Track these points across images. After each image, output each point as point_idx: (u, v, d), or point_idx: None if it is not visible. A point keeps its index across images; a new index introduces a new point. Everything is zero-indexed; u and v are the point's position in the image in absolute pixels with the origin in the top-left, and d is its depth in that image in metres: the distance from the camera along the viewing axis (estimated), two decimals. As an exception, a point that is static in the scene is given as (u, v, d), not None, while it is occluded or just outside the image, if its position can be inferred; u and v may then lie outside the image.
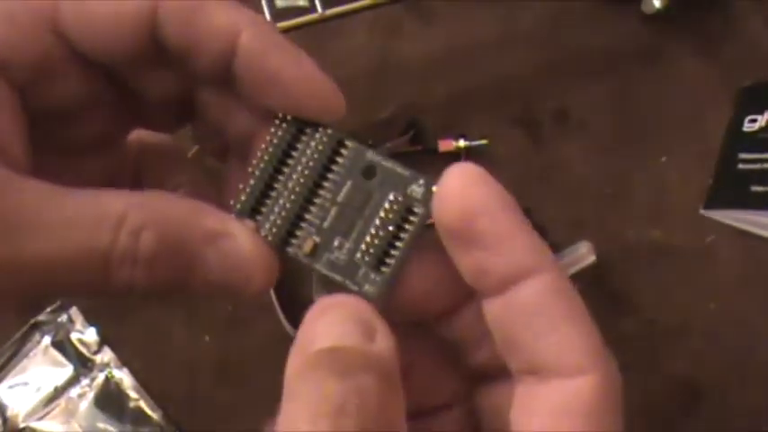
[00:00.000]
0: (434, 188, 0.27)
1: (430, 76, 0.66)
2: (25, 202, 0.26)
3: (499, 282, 0.26)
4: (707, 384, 0.59)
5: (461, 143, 0.62)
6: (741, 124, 0.64)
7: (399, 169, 0.29)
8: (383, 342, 0.26)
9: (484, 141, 0.63)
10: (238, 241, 0.28)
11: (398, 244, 0.28)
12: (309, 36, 0.60)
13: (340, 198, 0.29)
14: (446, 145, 0.62)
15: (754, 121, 0.63)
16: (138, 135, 0.35)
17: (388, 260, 0.28)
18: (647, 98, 0.66)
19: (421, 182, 0.28)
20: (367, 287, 0.28)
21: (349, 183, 0.29)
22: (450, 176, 0.26)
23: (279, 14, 0.56)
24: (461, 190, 0.26)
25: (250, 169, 0.30)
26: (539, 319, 0.25)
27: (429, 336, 0.30)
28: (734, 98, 0.66)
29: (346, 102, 0.29)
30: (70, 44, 0.29)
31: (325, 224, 0.29)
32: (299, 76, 0.29)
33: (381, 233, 0.28)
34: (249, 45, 0.28)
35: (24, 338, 0.60)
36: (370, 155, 0.29)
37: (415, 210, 0.28)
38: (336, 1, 0.56)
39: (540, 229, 0.60)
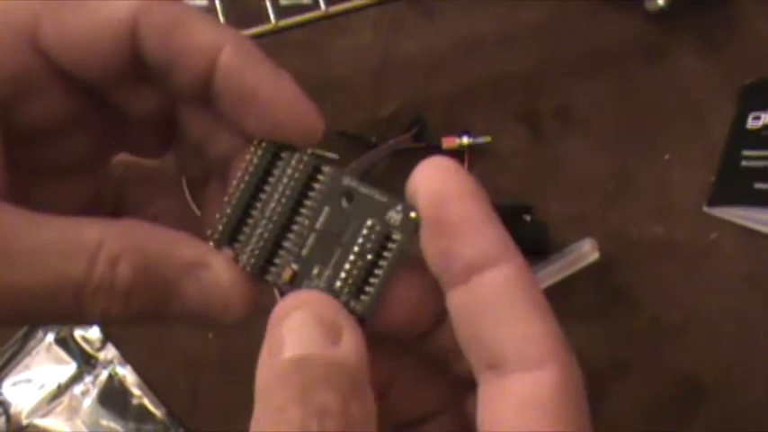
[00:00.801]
0: (413, 214, 0.27)
1: (433, 73, 0.66)
2: None
3: (464, 269, 0.26)
4: (710, 381, 0.59)
5: (464, 140, 0.62)
6: (745, 121, 0.64)
7: (377, 196, 0.28)
8: (348, 343, 0.26)
9: (487, 139, 0.63)
10: (215, 271, 0.28)
11: (378, 272, 0.28)
12: (313, 33, 0.60)
13: (318, 225, 0.28)
14: (449, 142, 0.62)
15: (757, 118, 0.63)
16: (122, 159, 0.34)
17: (367, 288, 0.28)
18: (650, 95, 0.66)
19: (399, 208, 0.28)
20: None
21: (326, 209, 0.28)
22: (424, 165, 0.27)
23: (282, 11, 0.56)
24: (435, 177, 0.27)
25: (226, 198, 0.29)
26: (500, 309, 0.25)
27: (413, 348, 0.30)
28: (737, 95, 0.66)
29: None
30: (50, 59, 0.28)
31: (304, 252, 0.28)
32: (277, 95, 0.28)
33: (360, 262, 0.28)
34: (229, 62, 0.28)
35: (27, 336, 0.60)
36: (347, 181, 0.28)
37: (394, 237, 0.28)
38: (339, -2, 0.56)
39: (542, 227, 0.61)
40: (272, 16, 0.55)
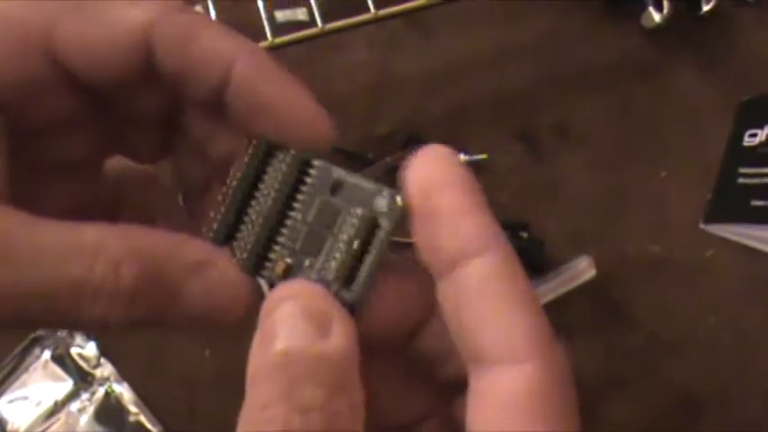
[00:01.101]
0: (398, 200, 0.27)
1: (430, 91, 0.66)
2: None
3: (450, 258, 0.25)
4: (707, 397, 0.58)
5: (461, 157, 0.62)
6: (741, 138, 0.64)
7: (364, 183, 0.28)
8: (338, 335, 0.26)
9: (483, 156, 0.63)
10: (222, 270, 0.28)
11: (366, 259, 0.28)
12: (309, 50, 0.60)
13: (310, 218, 0.29)
14: (446, 159, 0.62)
15: (754, 135, 0.63)
16: (119, 163, 0.34)
17: (357, 277, 0.28)
18: (647, 112, 0.66)
19: (385, 194, 0.28)
20: None
21: (317, 202, 0.29)
22: (417, 155, 0.27)
23: (279, 29, 0.56)
24: (424, 166, 0.26)
25: (220, 196, 0.29)
26: (483, 300, 0.25)
27: (399, 353, 0.30)
28: (734, 112, 0.66)
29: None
30: (62, 65, 0.28)
31: (297, 245, 0.29)
32: (291, 108, 0.29)
33: (348, 250, 0.28)
34: (243, 74, 0.28)
35: (24, 353, 0.60)
36: (336, 172, 0.29)
37: (381, 223, 0.28)
38: (336, 15, 0.56)
39: (539, 244, 0.61)
40: (268, 33, 0.55)
